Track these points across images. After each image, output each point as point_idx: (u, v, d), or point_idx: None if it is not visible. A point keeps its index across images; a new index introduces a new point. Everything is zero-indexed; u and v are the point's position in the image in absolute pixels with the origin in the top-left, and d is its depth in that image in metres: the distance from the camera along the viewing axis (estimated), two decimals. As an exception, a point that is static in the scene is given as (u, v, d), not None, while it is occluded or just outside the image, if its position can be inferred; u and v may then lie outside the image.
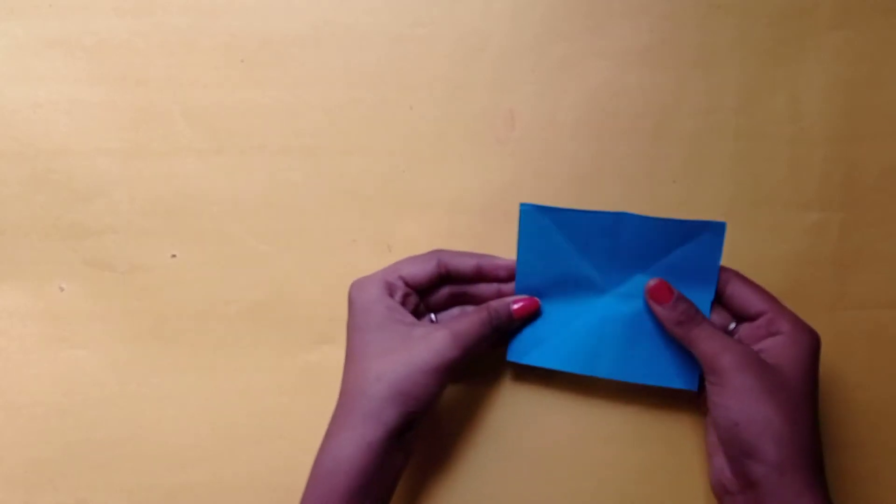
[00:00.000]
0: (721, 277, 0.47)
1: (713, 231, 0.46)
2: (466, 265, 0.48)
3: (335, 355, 0.53)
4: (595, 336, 0.49)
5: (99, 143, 0.54)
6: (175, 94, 0.54)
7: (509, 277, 0.49)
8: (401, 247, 0.53)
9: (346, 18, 0.54)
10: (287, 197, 0.54)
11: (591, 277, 0.48)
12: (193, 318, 0.54)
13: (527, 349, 0.50)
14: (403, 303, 0.47)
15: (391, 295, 0.46)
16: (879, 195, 0.53)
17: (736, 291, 0.47)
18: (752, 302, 0.46)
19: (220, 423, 0.53)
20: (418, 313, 0.49)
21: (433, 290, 0.50)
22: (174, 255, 0.54)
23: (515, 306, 0.48)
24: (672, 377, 0.48)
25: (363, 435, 0.43)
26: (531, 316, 0.48)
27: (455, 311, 0.51)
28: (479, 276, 0.49)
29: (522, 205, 0.48)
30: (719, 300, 0.48)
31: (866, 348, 0.52)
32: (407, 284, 0.47)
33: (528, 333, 0.49)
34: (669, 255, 0.47)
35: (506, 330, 0.48)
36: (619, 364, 0.49)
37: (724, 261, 0.53)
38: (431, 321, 0.50)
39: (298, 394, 0.53)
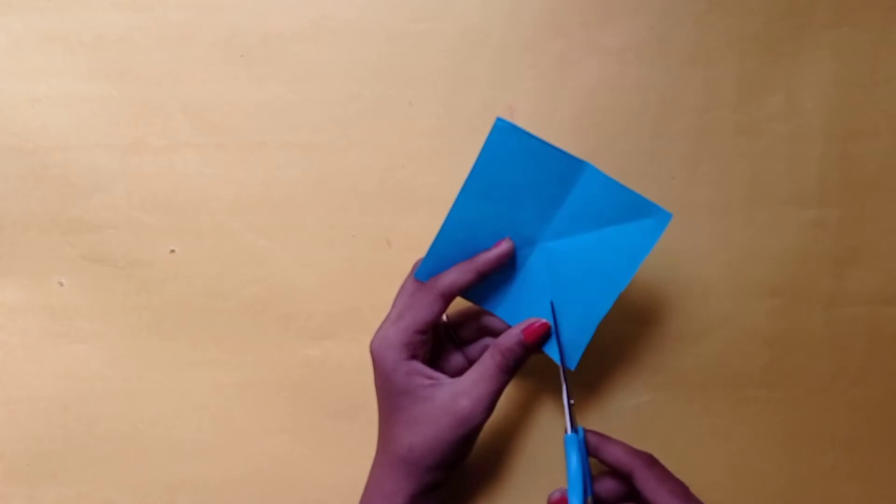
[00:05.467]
0: (635, 464, 0.45)
1: (658, 218, 0.45)
2: (466, 279, 0.46)
3: (335, 350, 0.53)
4: (508, 280, 0.48)
5: (98, 138, 0.54)
6: (174, 89, 0.54)
7: (509, 261, 0.48)
8: (400, 242, 0.54)
9: (345, 14, 0.54)
10: (286, 192, 0.54)
11: (528, 221, 0.47)
12: (193, 313, 0.54)
13: (437, 270, 0.48)
14: (424, 355, 0.47)
15: (410, 356, 0.46)
16: (877, 192, 0.53)
17: (645, 483, 0.45)
18: (655, 498, 0.45)
19: (220, 417, 0.53)
20: (440, 346, 0.50)
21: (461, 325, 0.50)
22: (173, 250, 0.54)
23: (524, 333, 0.46)
24: (553, 347, 0.47)
25: (402, 496, 0.46)
26: (542, 339, 0.47)
27: (486, 341, 0.50)
28: (483, 278, 0.47)
29: (499, 119, 0.45)
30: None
31: (864, 344, 0.53)
32: (423, 333, 0.46)
33: (441, 252, 0.47)
34: (608, 228, 0.46)
35: (523, 362, 0.47)
36: (514, 312, 0.48)
37: (722, 258, 0.53)
38: (463, 356, 0.50)
39: (299, 388, 0.53)
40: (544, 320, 0.47)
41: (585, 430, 0.47)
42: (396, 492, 0.46)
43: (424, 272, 0.48)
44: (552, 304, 0.47)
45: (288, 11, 0.54)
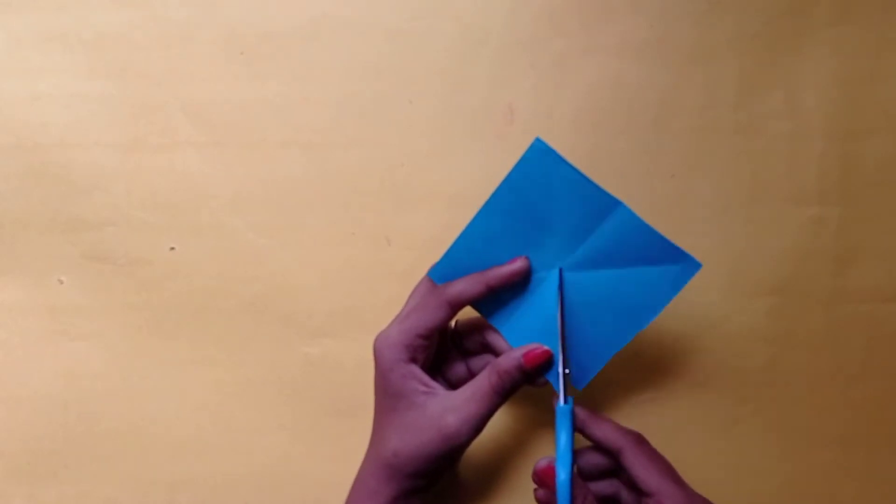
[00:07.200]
0: (624, 442, 0.45)
1: (686, 266, 0.45)
2: (475, 291, 0.46)
3: (335, 348, 0.53)
4: (520, 301, 0.47)
5: (97, 136, 0.54)
6: (174, 87, 0.54)
7: (522, 280, 0.47)
8: (400, 240, 0.54)
9: (345, 12, 0.54)
10: (286, 190, 0.54)
11: (550, 246, 0.47)
12: (193, 312, 0.54)
13: (452, 274, 0.47)
14: (424, 360, 0.47)
15: (409, 359, 0.46)
16: (877, 190, 0.53)
17: (634, 462, 0.45)
18: (644, 477, 0.44)
19: (220, 415, 0.53)
20: (446, 353, 0.49)
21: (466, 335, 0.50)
22: (173, 248, 0.54)
23: (524, 358, 0.45)
24: (555, 375, 0.46)
25: (384, 496, 0.45)
26: (543, 366, 0.45)
27: (490, 357, 0.49)
28: (492, 292, 0.46)
29: (537, 139, 0.45)
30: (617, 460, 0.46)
31: (864, 343, 0.53)
32: (426, 338, 0.46)
33: (457, 257, 0.47)
34: (632, 268, 0.46)
35: (519, 386, 0.45)
36: (519, 334, 0.47)
37: (722, 256, 0.53)
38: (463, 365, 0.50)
39: (298, 386, 0.53)
40: (546, 347, 0.45)
41: (574, 404, 0.45)
42: (379, 492, 0.45)
43: (438, 273, 0.48)
44: (561, 313, 0.46)
45: (288, 9, 0.54)
